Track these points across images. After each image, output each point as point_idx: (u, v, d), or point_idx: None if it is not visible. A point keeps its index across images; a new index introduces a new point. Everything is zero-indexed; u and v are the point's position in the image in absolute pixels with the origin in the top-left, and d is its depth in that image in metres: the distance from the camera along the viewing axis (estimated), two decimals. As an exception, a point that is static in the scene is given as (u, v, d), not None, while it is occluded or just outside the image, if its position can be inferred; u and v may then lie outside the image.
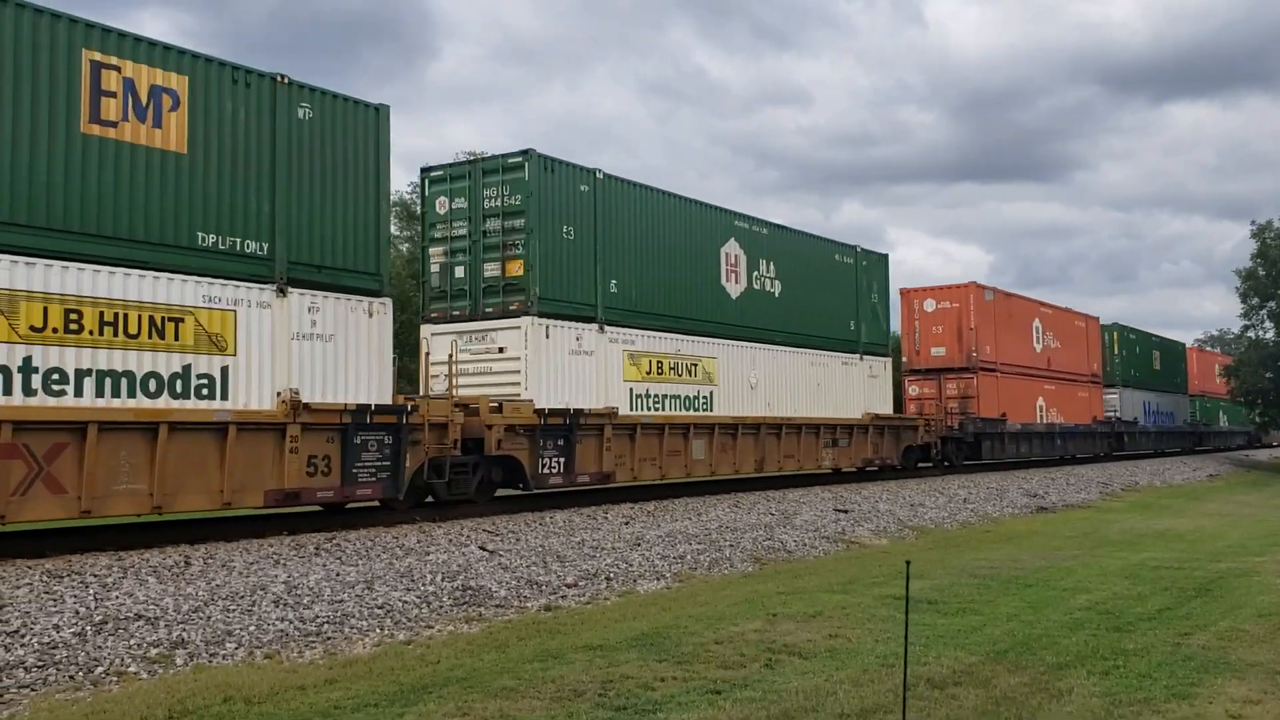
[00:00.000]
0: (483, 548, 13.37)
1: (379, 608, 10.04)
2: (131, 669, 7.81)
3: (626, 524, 16.48)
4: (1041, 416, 37.16)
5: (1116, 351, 45.74)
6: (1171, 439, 52.56)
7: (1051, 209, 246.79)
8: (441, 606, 10.35)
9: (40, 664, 7.68)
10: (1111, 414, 44.10)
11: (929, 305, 33.90)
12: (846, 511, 19.50)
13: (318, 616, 9.53)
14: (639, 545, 14.31)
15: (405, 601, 10.34)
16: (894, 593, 11.13)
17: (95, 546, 12.40)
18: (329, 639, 9.01)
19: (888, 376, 29.31)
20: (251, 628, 9.02)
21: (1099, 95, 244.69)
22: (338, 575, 11.17)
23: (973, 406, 32.25)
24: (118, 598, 9.61)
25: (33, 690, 7.24)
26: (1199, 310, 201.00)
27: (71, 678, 7.54)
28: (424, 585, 10.99)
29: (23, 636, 8.18)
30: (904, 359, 33.81)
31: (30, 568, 10.95)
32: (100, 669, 7.74)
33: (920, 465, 30.84)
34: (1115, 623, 9.66)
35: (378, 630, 9.39)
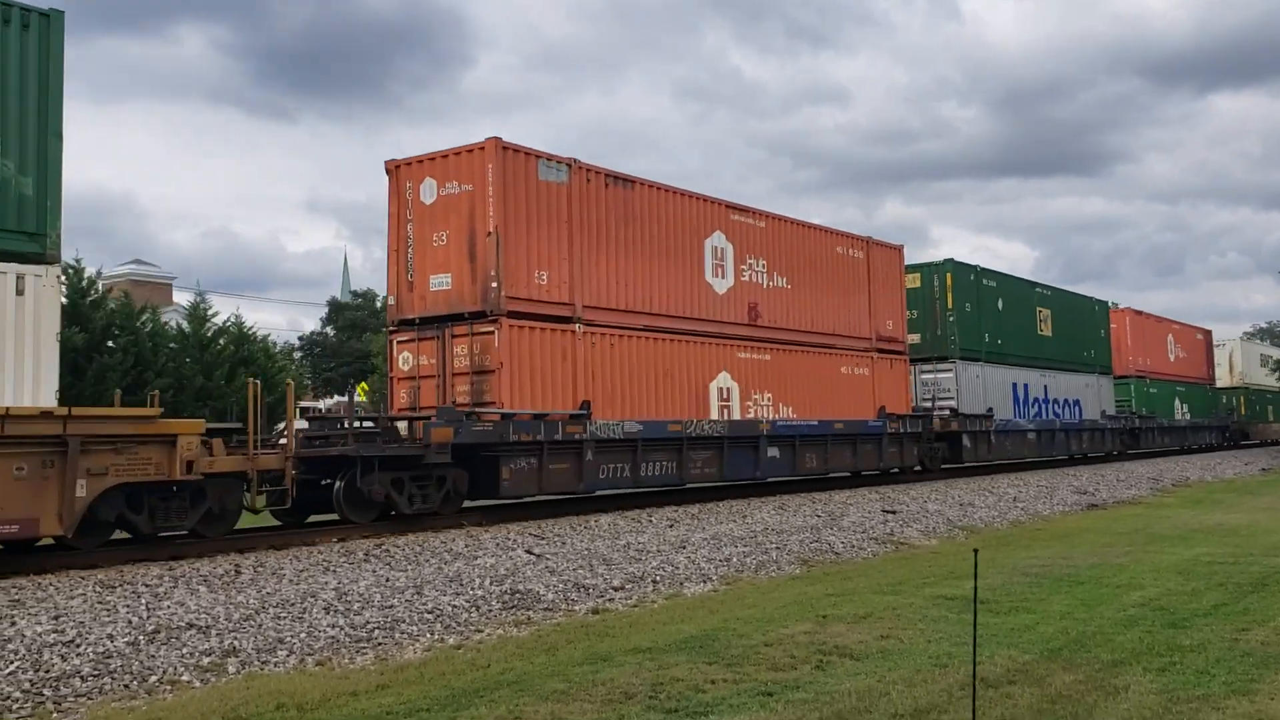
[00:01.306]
0: (529, 552, 13.39)
1: (429, 612, 10.07)
2: (184, 678, 7.88)
3: (671, 527, 16.45)
4: (706, 410, 21.05)
5: (950, 306, 31.08)
6: (1072, 441, 37.38)
7: (1095, 203, 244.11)
8: (490, 610, 10.37)
9: (96, 673, 7.76)
10: (937, 403, 29.95)
11: (428, 192, 18.12)
12: (894, 512, 19.35)
13: (368, 622, 9.58)
14: (684, 548, 14.27)
15: (454, 606, 10.36)
16: (945, 593, 11.02)
17: (146, 556, 12.56)
18: (380, 644, 9.05)
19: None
20: (303, 635, 9.07)
21: (1141, 87, 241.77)
22: (387, 581, 11.23)
23: (491, 391, 17.02)
24: (169, 607, 9.72)
25: (89, 699, 7.32)
26: (1248, 303, 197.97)
27: (126, 686, 7.61)
28: (472, 589, 11.02)
29: (78, 646, 8.28)
30: (390, 300, 18.74)
31: (83, 578, 11.10)
32: (154, 678, 7.81)
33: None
34: (1170, 619, 9.50)
35: (428, 635, 9.42)
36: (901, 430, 26.76)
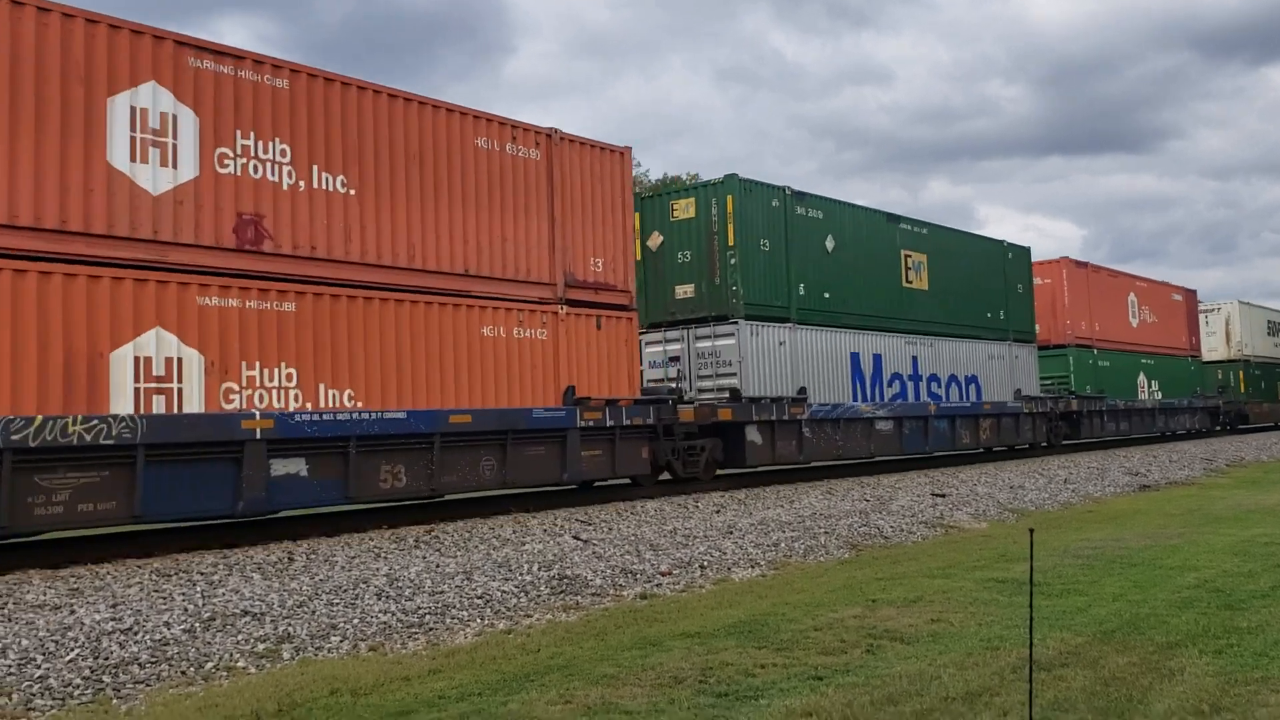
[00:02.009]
0: (576, 537, 13.44)
1: (478, 598, 10.15)
2: (240, 664, 7.99)
3: (718, 512, 16.44)
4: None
5: (732, 244, 21.63)
6: (962, 431, 27.58)
7: (1144, 180, 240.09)
8: (539, 595, 10.43)
9: (153, 660, 7.89)
10: (719, 381, 21.41)
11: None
12: (944, 495, 19.21)
13: (419, 608, 9.66)
14: (731, 533, 14.26)
15: (504, 591, 10.43)
16: (996, 576, 10.93)
17: (200, 545, 12.75)
18: (431, 630, 9.13)
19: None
20: (355, 621, 9.17)
21: (1191, 61, 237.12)
22: (437, 567, 11.32)
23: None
24: (224, 594, 9.86)
25: (147, 686, 7.44)
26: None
27: (183, 673, 7.74)
28: (521, 575, 11.08)
29: (135, 634, 8.42)
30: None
31: (140, 567, 11.29)
32: (210, 664, 7.93)
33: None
34: (1226, 601, 9.36)
35: (478, 620, 9.49)
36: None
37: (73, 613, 9.03)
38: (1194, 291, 45.60)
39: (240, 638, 8.53)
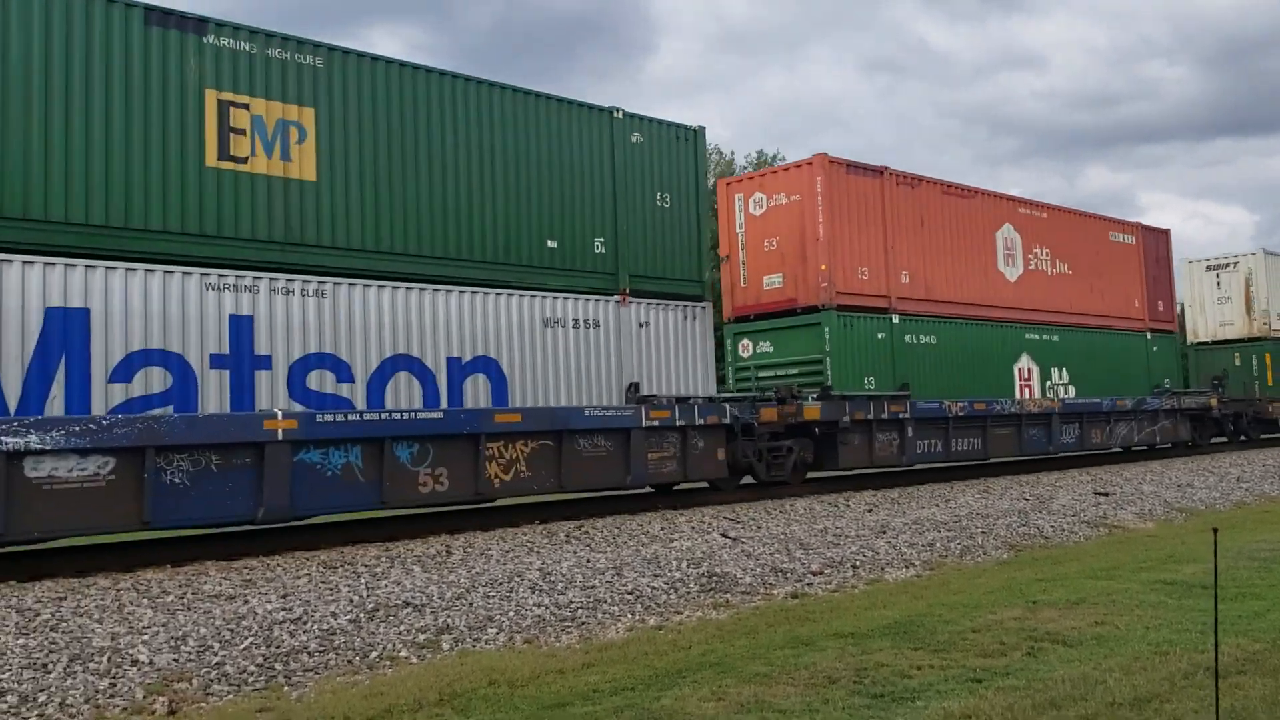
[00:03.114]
0: (724, 535, 13.43)
1: (629, 593, 10.23)
2: (402, 654, 8.25)
3: (869, 511, 16.19)
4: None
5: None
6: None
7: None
8: (689, 592, 10.45)
9: (321, 649, 8.21)
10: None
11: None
12: (1107, 494, 18.50)
13: (571, 602, 9.80)
14: (884, 533, 14.03)
15: (654, 587, 10.49)
16: (1163, 578, 10.47)
17: (363, 538, 13.20)
18: (583, 624, 9.25)
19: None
20: (510, 613, 9.36)
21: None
22: (588, 562, 11.47)
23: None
24: (387, 586, 10.18)
25: (315, 674, 7.75)
26: None
27: (349, 662, 8.03)
28: (670, 572, 11.13)
29: (304, 623, 8.77)
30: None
31: (308, 559, 11.76)
32: (374, 654, 8.21)
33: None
34: None
35: (629, 615, 9.57)
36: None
37: (246, 603, 9.47)
38: (1167, 232, 30.28)
39: (402, 628, 8.80)
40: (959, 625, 8.56)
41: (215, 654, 7.96)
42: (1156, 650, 7.49)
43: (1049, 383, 24.87)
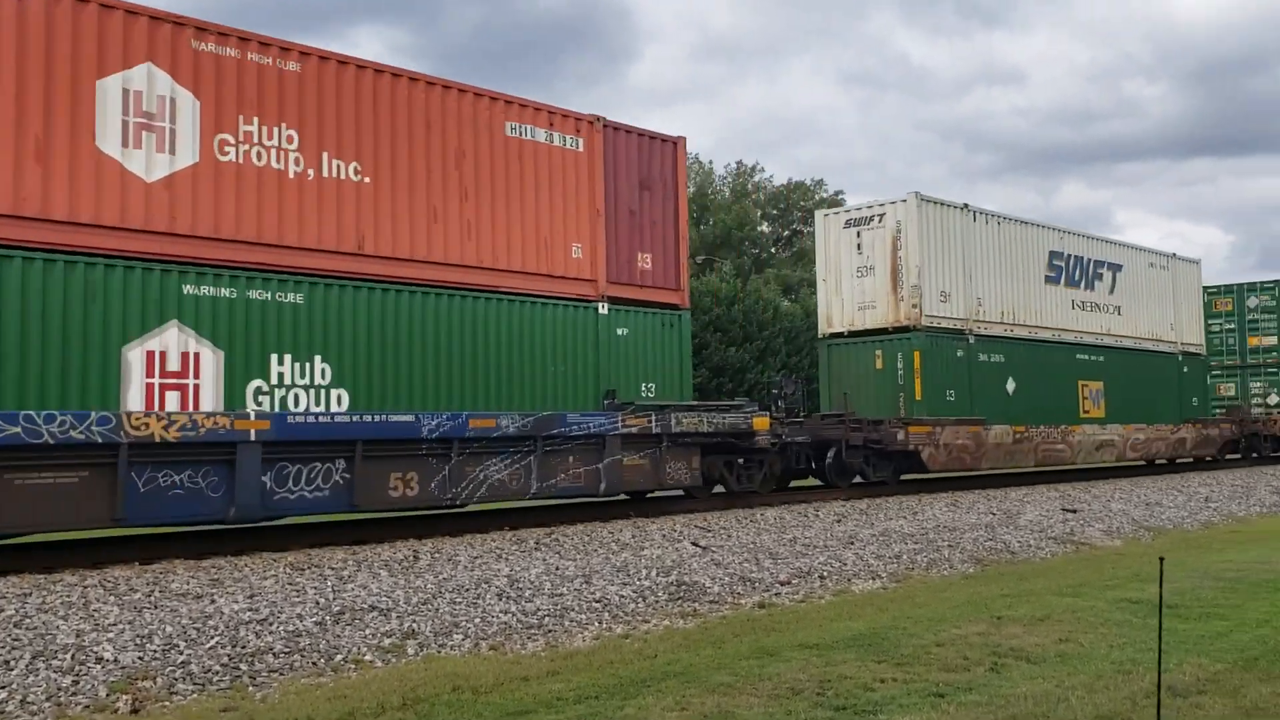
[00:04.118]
0: (695, 544, 13.45)
1: (597, 601, 10.24)
2: (367, 657, 8.23)
3: (838, 522, 16.26)
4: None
5: None
6: None
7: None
8: (657, 601, 10.47)
9: (286, 650, 8.18)
10: None
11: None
12: (1075, 511, 18.64)
13: (539, 609, 9.80)
14: (852, 544, 14.09)
15: (622, 596, 10.51)
16: (1129, 596, 10.57)
17: (331, 541, 13.15)
18: (550, 631, 9.26)
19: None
20: (477, 620, 9.35)
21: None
22: (557, 569, 11.46)
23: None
24: (353, 590, 10.15)
25: (280, 675, 7.72)
26: None
27: (314, 664, 8.01)
28: (639, 580, 11.14)
29: (271, 624, 8.74)
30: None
31: (275, 560, 11.70)
32: (339, 656, 8.19)
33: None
34: (1383, 631, 8.87)
35: (596, 624, 9.58)
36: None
37: (213, 602, 9.42)
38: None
39: (368, 632, 8.78)
40: (923, 639, 8.61)
41: (181, 653, 7.92)
42: (1119, 669, 7.56)
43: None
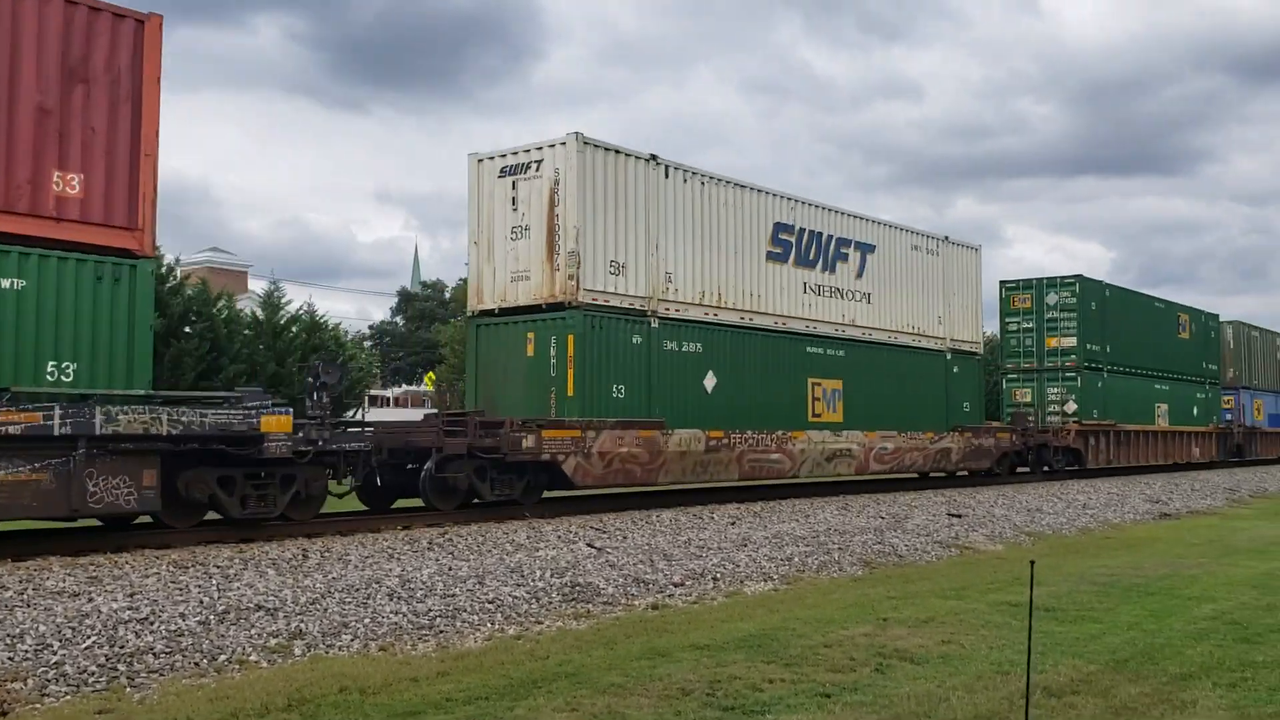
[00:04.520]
0: (590, 545, 13.47)
1: (490, 602, 10.19)
2: (252, 658, 8.06)
3: (733, 524, 16.43)
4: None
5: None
6: None
7: (1177, 204, 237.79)
8: (551, 602, 10.46)
9: (168, 650, 7.97)
10: None
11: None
12: (960, 516, 19.13)
13: (430, 610, 9.71)
14: (746, 546, 14.25)
15: (515, 597, 10.47)
16: (1009, 599, 10.88)
17: (218, 539, 12.84)
18: (441, 632, 9.18)
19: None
20: (367, 620, 9.23)
21: (1227, 84, 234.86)
22: (450, 570, 11.37)
23: None
24: (239, 589, 9.93)
25: (160, 675, 7.52)
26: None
27: (196, 664, 7.81)
28: (534, 581, 11.11)
29: (151, 624, 8.50)
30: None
31: (158, 558, 11.39)
32: (223, 657, 8.00)
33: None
34: (1243, 633, 9.29)
35: (488, 624, 9.53)
36: None
37: (90, 601, 9.13)
38: None
39: (253, 632, 8.60)
40: (812, 640, 8.75)
41: (54, 653, 7.66)
42: (999, 670, 7.78)
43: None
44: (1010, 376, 33.45)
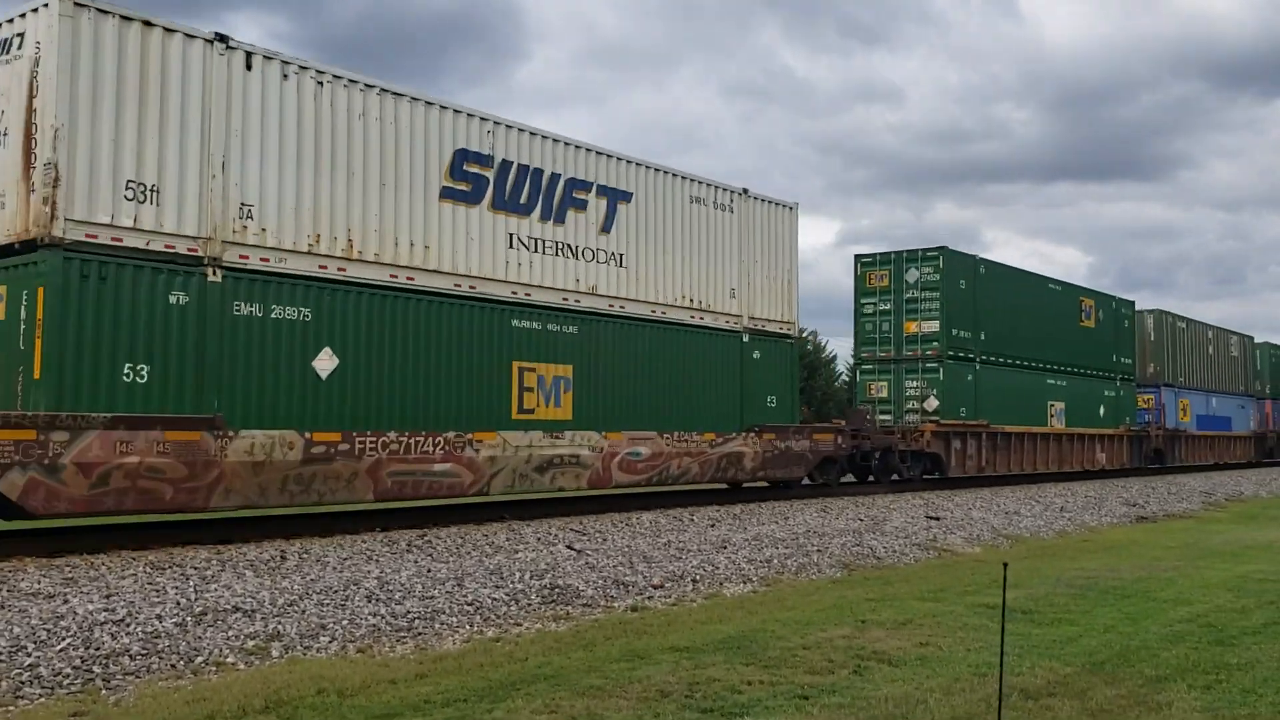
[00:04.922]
0: (570, 547, 13.46)
1: (469, 604, 10.16)
2: (229, 660, 8.01)
3: (712, 526, 16.45)
4: None
5: None
6: None
7: (1153, 209, 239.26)
8: (530, 604, 10.44)
9: (144, 652, 7.92)
10: None
11: None
12: (938, 519, 19.21)
13: (409, 612, 9.68)
14: (725, 548, 14.27)
15: (494, 599, 10.45)
16: (987, 601, 10.93)
17: (195, 540, 12.77)
18: (420, 634, 9.15)
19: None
20: (345, 622, 9.19)
21: (1204, 90, 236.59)
22: (429, 572, 11.34)
23: None
24: (216, 590, 9.88)
25: (137, 678, 7.47)
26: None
27: (173, 666, 7.76)
28: (513, 583, 11.10)
29: (128, 625, 8.44)
30: None
31: (134, 559, 11.32)
32: (200, 659, 7.96)
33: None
34: (1218, 636, 9.36)
35: (467, 626, 9.51)
36: None
37: (66, 602, 9.06)
38: None
39: (231, 634, 8.55)
40: (790, 642, 8.77)
41: (29, 655, 7.59)
42: (976, 672, 7.82)
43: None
44: (865, 368, 28.51)
